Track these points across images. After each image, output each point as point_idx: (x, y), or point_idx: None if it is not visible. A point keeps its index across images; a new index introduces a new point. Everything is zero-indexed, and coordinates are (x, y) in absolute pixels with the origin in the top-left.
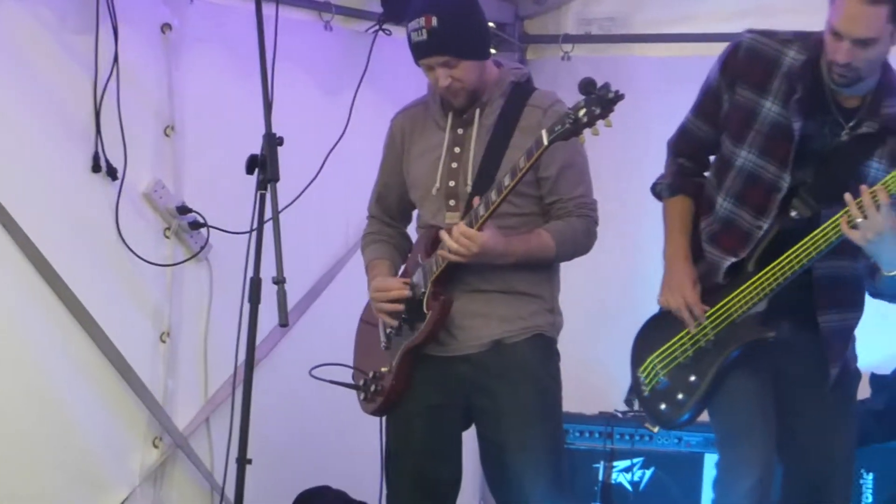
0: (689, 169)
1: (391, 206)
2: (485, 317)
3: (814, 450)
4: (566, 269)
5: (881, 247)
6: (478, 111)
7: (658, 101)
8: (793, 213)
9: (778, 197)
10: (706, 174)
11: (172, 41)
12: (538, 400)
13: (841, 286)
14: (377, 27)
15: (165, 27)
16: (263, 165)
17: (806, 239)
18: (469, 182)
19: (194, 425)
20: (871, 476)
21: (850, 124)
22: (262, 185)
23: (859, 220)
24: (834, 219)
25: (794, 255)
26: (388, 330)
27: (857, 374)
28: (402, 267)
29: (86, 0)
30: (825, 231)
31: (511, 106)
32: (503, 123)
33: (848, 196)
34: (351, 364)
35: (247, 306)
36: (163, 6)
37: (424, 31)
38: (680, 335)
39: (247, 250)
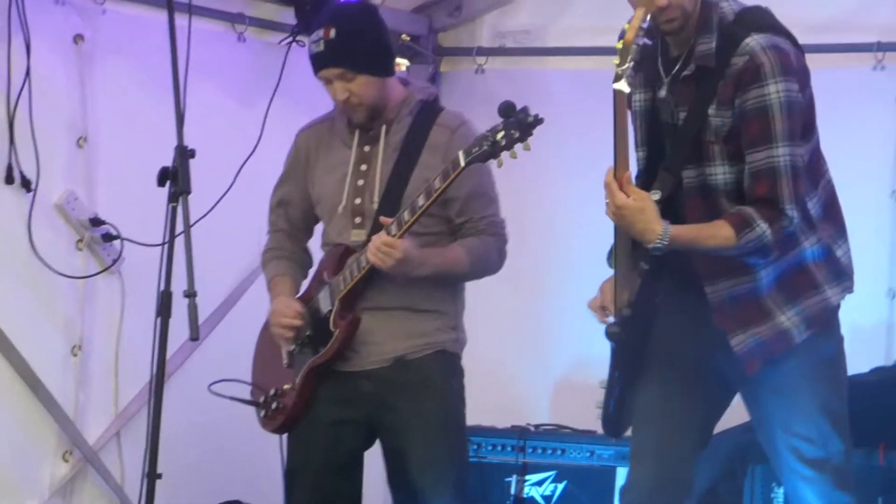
0: None
1: (294, 218)
2: (389, 333)
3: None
4: (481, 283)
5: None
6: (384, 129)
7: (572, 115)
8: (654, 196)
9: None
10: None
11: (85, 52)
12: (442, 414)
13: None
14: (291, 39)
15: (78, 38)
16: (175, 178)
17: None
18: (375, 200)
19: (105, 439)
20: (781, 490)
21: (671, 74)
22: (173, 198)
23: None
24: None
25: None
26: (291, 348)
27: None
28: (307, 285)
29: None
30: None
31: (419, 125)
32: (410, 142)
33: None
34: (252, 381)
35: (158, 319)
36: (75, 17)
37: (322, 42)
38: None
39: (160, 263)
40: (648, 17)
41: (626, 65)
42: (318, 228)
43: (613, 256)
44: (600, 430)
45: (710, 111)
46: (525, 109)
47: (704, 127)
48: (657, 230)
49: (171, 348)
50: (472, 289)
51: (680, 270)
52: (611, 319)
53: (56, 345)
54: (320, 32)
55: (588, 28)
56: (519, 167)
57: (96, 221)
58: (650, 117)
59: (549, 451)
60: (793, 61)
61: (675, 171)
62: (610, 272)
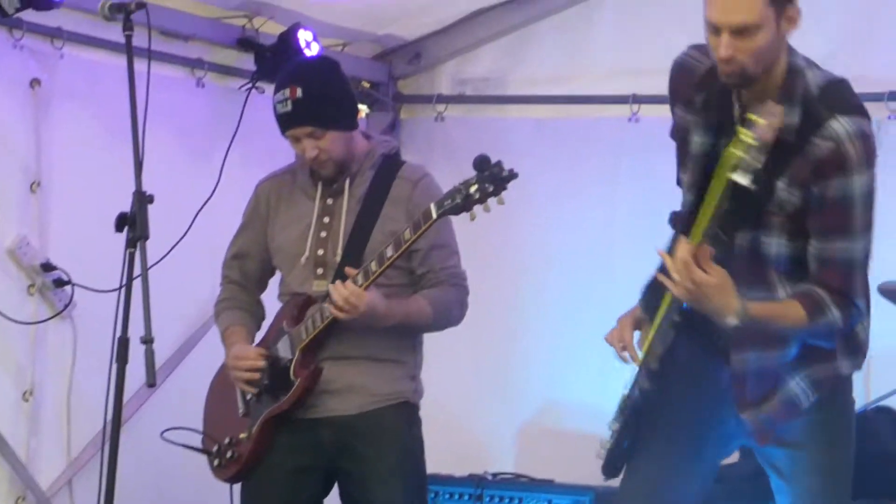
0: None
1: (250, 272)
2: (349, 382)
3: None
4: (441, 334)
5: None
6: (348, 181)
7: (533, 163)
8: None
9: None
10: None
11: (41, 96)
12: (402, 462)
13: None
14: (251, 85)
15: (34, 82)
16: (133, 223)
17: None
18: (339, 251)
19: (58, 485)
20: None
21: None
22: (131, 244)
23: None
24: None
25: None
26: (248, 397)
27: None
28: (263, 335)
29: None
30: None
31: (381, 177)
32: (374, 194)
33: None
34: (203, 429)
35: (115, 365)
36: (32, 61)
37: (290, 102)
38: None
39: (116, 308)
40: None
41: (754, 163)
42: (273, 280)
43: (649, 303)
44: (559, 479)
45: (780, 184)
46: (499, 164)
47: (769, 197)
48: (735, 307)
49: (127, 394)
50: (437, 335)
51: (705, 329)
52: (631, 362)
53: (7, 390)
54: (286, 92)
55: (548, 77)
56: (480, 213)
57: (48, 267)
58: (706, 163)
59: (507, 500)
60: (874, 148)
61: (730, 231)
62: (615, 306)
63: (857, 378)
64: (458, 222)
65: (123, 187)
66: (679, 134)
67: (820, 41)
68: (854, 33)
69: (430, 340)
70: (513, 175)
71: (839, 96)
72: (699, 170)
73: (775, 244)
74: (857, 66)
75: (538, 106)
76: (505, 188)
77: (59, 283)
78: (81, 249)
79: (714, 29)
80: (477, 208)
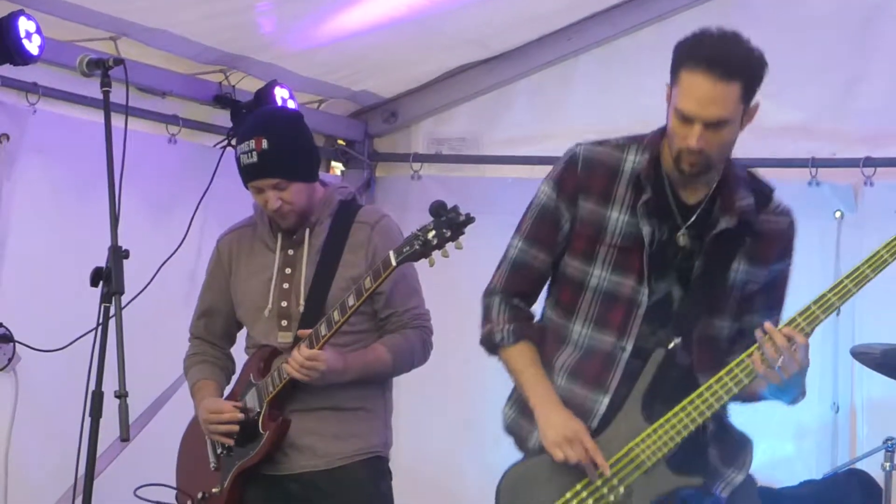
0: (523, 311)
1: (216, 329)
2: (318, 435)
3: None
4: (413, 380)
5: (792, 387)
6: (308, 231)
7: (511, 220)
8: (671, 345)
9: (639, 313)
10: (546, 311)
11: (8, 152)
12: None
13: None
14: (226, 142)
15: (3, 137)
16: (108, 278)
17: (714, 380)
18: (301, 302)
19: None
20: None
21: (692, 222)
22: (106, 298)
23: (778, 362)
24: (741, 359)
25: (705, 396)
26: (219, 451)
27: None
28: (231, 388)
29: None
30: (740, 370)
31: (339, 224)
32: (332, 242)
33: (768, 327)
34: (176, 484)
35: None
36: (2, 116)
37: (255, 153)
38: (576, 489)
39: (61, 366)
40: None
41: None
42: (242, 333)
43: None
44: None
45: (735, 266)
46: (455, 208)
47: (724, 280)
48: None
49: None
50: (412, 381)
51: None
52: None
53: None
54: (251, 143)
55: (524, 136)
56: (455, 266)
57: None
58: (660, 250)
59: None
60: None
61: (691, 319)
62: None
63: (842, 434)
64: (436, 272)
65: (84, 243)
66: (585, 229)
67: (800, 110)
68: (831, 103)
69: (403, 383)
70: (469, 220)
71: (758, 175)
72: (651, 254)
73: (727, 327)
74: (834, 133)
75: (514, 166)
76: (462, 233)
77: (4, 339)
78: (28, 307)
79: (686, 119)
80: (436, 254)
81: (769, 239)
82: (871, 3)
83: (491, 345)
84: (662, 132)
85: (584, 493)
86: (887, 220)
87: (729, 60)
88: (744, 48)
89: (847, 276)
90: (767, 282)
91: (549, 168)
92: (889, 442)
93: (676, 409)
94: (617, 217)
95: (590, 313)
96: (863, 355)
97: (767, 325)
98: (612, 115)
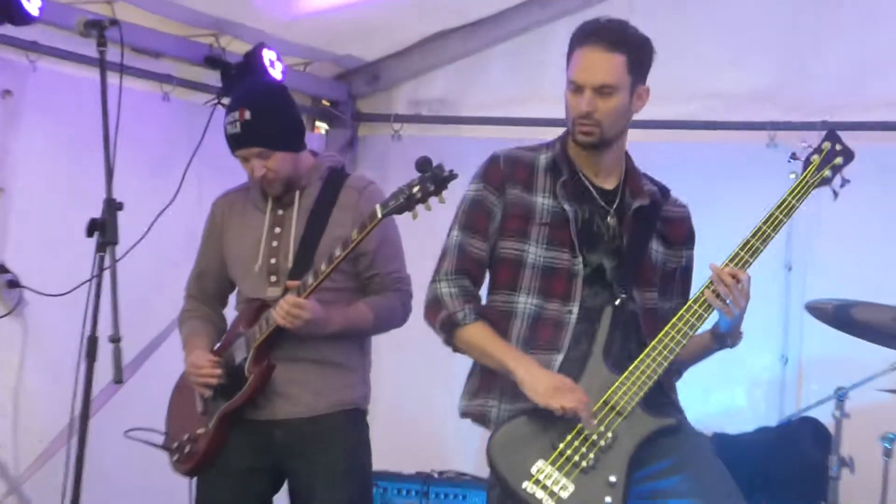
0: (473, 292)
1: (209, 288)
2: (301, 385)
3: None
4: (394, 338)
5: (735, 325)
6: (297, 193)
7: None
8: (618, 301)
9: (578, 281)
10: (489, 297)
11: (10, 107)
12: (348, 463)
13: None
14: (216, 101)
15: (6, 93)
16: (103, 229)
17: (670, 326)
18: (290, 259)
19: (27, 475)
20: None
21: (615, 205)
22: (100, 248)
23: (729, 296)
24: (697, 296)
25: (666, 341)
26: (206, 396)
27: None
28: (220, 341)
29: None
30: (690, 314)
31: (329, 188)
32: (322, 203)
33: (714, 267)
34: (165, 427)
35: (83, 363)
36: (6, 72)
37: (238, 123)
38: (567, 440)
39: (84, 309)
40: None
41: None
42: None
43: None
44: None
45: (653, 245)
46: (440, 165)
47: (648, 256)
48: None
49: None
50: (389, 337)
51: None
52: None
53: None
54: (235, 114)
55: (499, 99)
56: (440, 226)
57: (2, 269)
58: (578, 226)
59: (451, 497)
60: None
61: (627, 286)
62: None
63: (790, 386)
64: (416, 231)
65: (85, 195)
66: (515, 211)
67: (761, 78)
68: (790, 71)
69: (382, 342)
70: (452, 175)
71: (650, 176)
72: (579, 228)
73: (656, 299)
74: (795, 97)
75: (491, 126)
76: (445, 188)
77: (12, 284)
78: (35, 254)
79: (576, 88)
80: (419, 208)
81: (675, 223)
82: None
83: (452, 326)
84: (564, 138)
85: (576, 443)
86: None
87: (613, 33)
88: (629, 28)
89: (763, 222)
90: (683, 268)
91: (522, 129)
92: (840, 391)
93: (641, 356)
94: (542, 201)
95: (532, 286)
96: (816, 310)
97: (713, 265)
98: None
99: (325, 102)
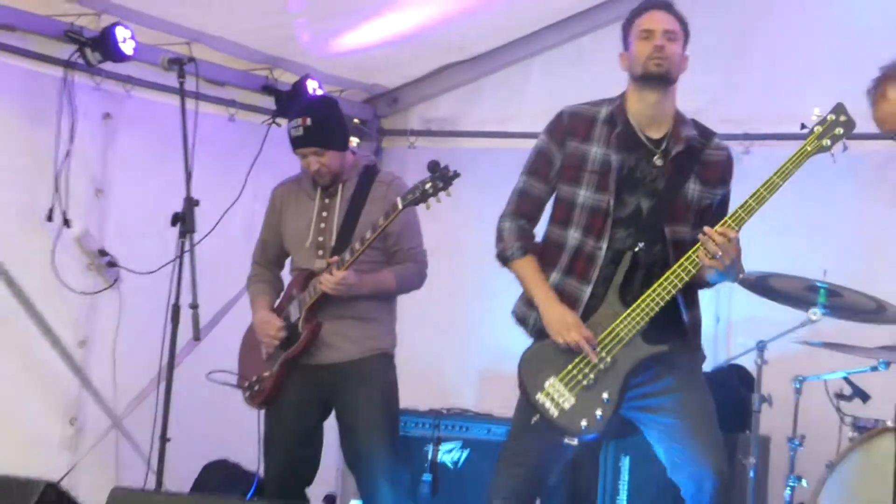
0: (527, 231)
1: (270, 256)
2: (343, 337)
3: (703, 426)
4: (413, 299)
5: (732, 269)
6: (340, 186)
7: (482, 178)
8: (637, 248)
9: (609, 221)
10: (549, 228)
11: (110, 126)
12: (381, 398)
13: (691, 289)
14: (271, 121)
15: (107, 116)
16: (184, 220)
17: (670, 272)
18: (333, 238)
19: (126, 413)
20: (627, 459)
21: (661, 149)
22: (182, 235)
23: (718, 253)
24: (691, 253)
25: (665, 284)
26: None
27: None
28: (278, 301)
29: (51, 96)
30: (688, 262)
31: (363, 182)
32: (358, 195)
33: (707, 230)
34: (238, 370)
35: (170, 325)
36: (107, 99)
37: (301, 128)
38: (575, 362)
39: (153, 284)
40: None
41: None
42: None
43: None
44: (497, 413)
45: (690, 185)
46: (447, 166)
47: (684, 195)
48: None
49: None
50: (413, 301)
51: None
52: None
53: (68, 339)
54: (299, 121)
55: (494, 117)
56: (450, 214)
57: (103, 252)
58: (627, 174)
59: (457, 428)
60: None
61: (656, 225)
62: None
63: (721, 339)
64: (434, 219)
65: (166, 195)
66: (572, 161)
67: (696, 97)
68: (720, 90)
69: (402, 302)
70: (456, 174)
71: (701, 123)
72: (621, 176)
73: (689, 232)
74: (722, 112)
75: (484, 139)
76: (451, 184)
77: (111, 264)
78: (128, 241)
79: (648, 34)
80: (431, 200)
81: (713, 165)
82: (749, 15)
83: (504, 258)
84: (623, 94)
85: (582, 364)
86: (757, 181)
87: (668, 6)
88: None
89: (762, 185)
90: (719, 202)
91: (508, 140)
92: (760, 343)
93: (645, 295)
94: (595, 151)
95: (580, 223)
96: (743, 280)
97: (706, 227)
98: (558, 100)
99: (356, 121)
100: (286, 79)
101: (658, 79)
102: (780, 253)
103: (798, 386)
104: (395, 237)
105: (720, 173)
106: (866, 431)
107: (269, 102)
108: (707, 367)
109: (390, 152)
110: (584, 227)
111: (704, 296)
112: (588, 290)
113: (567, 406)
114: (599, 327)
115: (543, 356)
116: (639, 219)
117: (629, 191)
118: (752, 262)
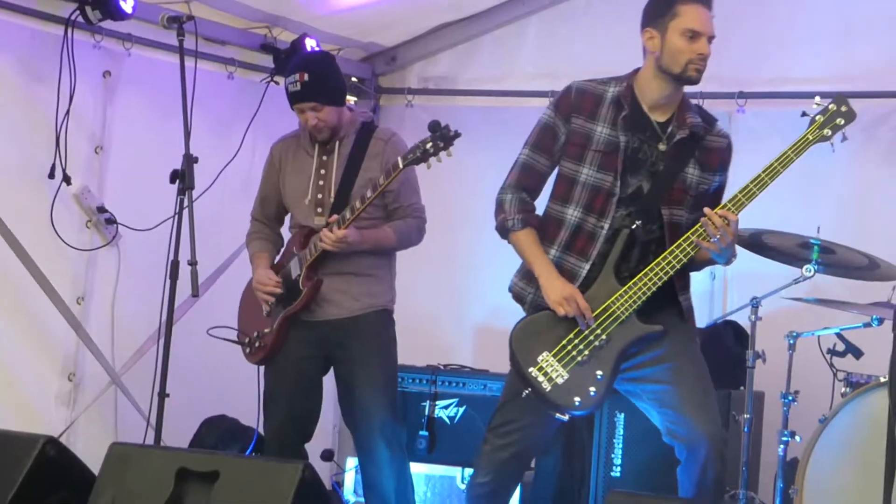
0: (528, 204)
1: (270, 212)
2: (343, 293)
3: (697, 392)
4: (411, 257)
5: (726, 250)
6: (337, 143)
7: (478, 138)
8: (634, 226)
9: (613, 201)
10: (549, 205)
11: (110, 84)
12: (380, 353)
13: (684, 272)
14: (269, 79)
15: (106, 73)
16: (183, 177)
17: (668, 252)
18: (332, 195)
19: (124, 370)
20: (622, 415)
21: (667, 133)
22: (181, 192)
23: (717, 235)
24: (689, 234)
25: (662, 264)
26: (271, 303)
27: None
28: (279, 257)
29: (51, 54)
30: (686, 243)
31: (361, 139)
32: (356, 151)
33: (708, 212)
34: (238, 326)
35: (168, 281)
36: (106, 57)
37: (299, 83)
38: (569, 337)
39: (168, 241)
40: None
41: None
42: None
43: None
44: (492, 369)
45: (689, 169)
46: (448, 126)
47: (683, 179)
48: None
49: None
50: (410, 255)
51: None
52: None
53: (66, 295)
54: (296, 76)
55: (487, 76)
56: (447, 172)
57: (102, 209)
58: (632, 154)
59: (454, 384)
60: None
61: (654, 206)
62: None
63: (718, 296)
64: (432, 179)
65: (162, 153)
66: (576, 139)
67: None
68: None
69: (405, 257)
70: (457, 134)
71: (704, 109)
72: (626, 157)
73: (685, 216)
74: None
75: (481, 97)
76: (452, 144)
77: (109, 221)
78: (128, 198)
79: (696, 35)
80: (432, 160)
81: (713, 152)
82: None
83: (504, 230)
84: (634, 72)
85: (576, 340)
86: (751, 139)
87: (710, 1)
88: None
89: (763, 171)
90: (715, 188)
91: (504, 99)
92: (754, 300)
93: (641, 274)
94: (601, 130)
95: (580, 201)
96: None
97: (706, 209)
98: (553, 60)
99: (353, 79)
100: (284, 37)
101: (693, 83)
102: (773, 212)
103: (792, 342)
104: (394, 194)
105: (720, 160)
106: (859, 387)
107: (267, 61)
108: (702, 323)
109: (388, 110)
110: (584, 206)
111: None
112: (586, 266)
113: (560, 381)
114: (595, 303)
115: (536, 329)
116: (639, 199)
117: (632, 172)
118: (747, 221)
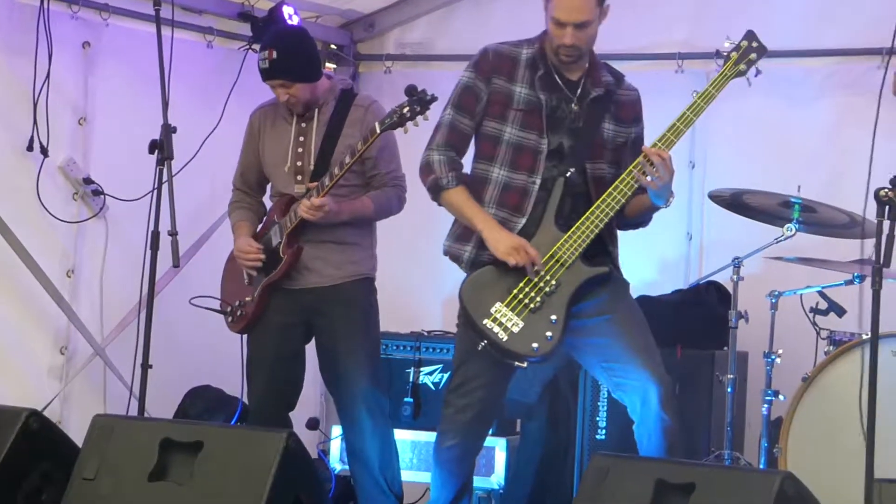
0: (457, 162)
1: (250, 181)
2: (324, 261)
3: (637, 339)
4: (393, 225)
5: (665, 189)
6: (316, 110)
7: None
8: (568, 174)
9: (542, 158)
10: (473, 165)
11: (90, 55)
12: (362, 320)
13: (611, 227)
14: (248, 47)
15: (86, 44)
16: (161, 147)
17: (606, 195)
18: (312, 162)
19: (107, 341)
20: None
21: (577, 94)
22: (160, 162)
23: (655, 174)
24: (627, 172)
25: (602, 206)
26: (251, 270)
27: None
28: (260, 226)
29: (28, 26)
30: (623, 185)
31: (341, 106)
32: (336, 118)
33: (646, 149)
34: (220, 296)
35: (149, 253)
36: (84, 28)
37: (267, 61)
38: (520, 286)
39: (139, 212)
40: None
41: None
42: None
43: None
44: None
45: (605, 125)
46: (424, 91)
47: (600, 134)
48: None
49: (158, 273)
50: (392, 225)
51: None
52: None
53: (55, 269)
54: (265, 53)
55: (466, 41)
56: (423, 138)
57: (88, 181)
58: (548, 112)
59: (438, 350)
60: None
61: (579, 161)
62: None
63: (694, 259)
64: (409, 144)
65: (146, 123)
66: (498, 98)
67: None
68: (693, 12)
69: (386, 226)
70: (434, 98)
71: (610, 65)
72: (547, 115)
73: (606, 170)
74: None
75: (458, 63)
76: (429, 108)
77: (96, 192)
78: (113, 169)
79: (560, 24)
80: (409, 125)
81: (626, 106)
82: None
83: (437, 188)
84: (543, 33)
85: (527, 288)
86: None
87: None
88: None
89: (688, 108)
90: (632, 140)
91: None
92: (736, 260)
93: (583, 218)
94: (520, 91)
95: (505, 159)
96: (717, 197)
97: (644, 147)
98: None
99: (332, 46)
100: (262, 5)
101: (568, 65)
102: (754, 171)
103: (774, 301)
104: (372, 161)
105: (633, 112)
106: (842, 345)
107: (245, 29)
108: (681, 284)
109: (367, 77)
110: (509, 164)
111: (676, 215)
112: (522, 220)
113: (516, 329)
114: (541, 250)
115: (484, 283)
116: (561, 155)
117: (552, 130)
118: (726, 181)
